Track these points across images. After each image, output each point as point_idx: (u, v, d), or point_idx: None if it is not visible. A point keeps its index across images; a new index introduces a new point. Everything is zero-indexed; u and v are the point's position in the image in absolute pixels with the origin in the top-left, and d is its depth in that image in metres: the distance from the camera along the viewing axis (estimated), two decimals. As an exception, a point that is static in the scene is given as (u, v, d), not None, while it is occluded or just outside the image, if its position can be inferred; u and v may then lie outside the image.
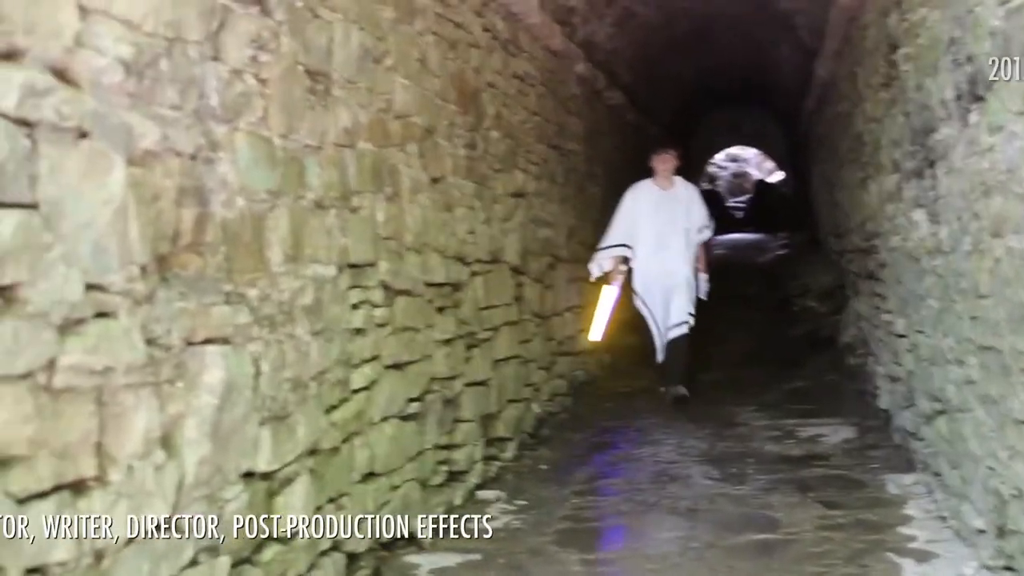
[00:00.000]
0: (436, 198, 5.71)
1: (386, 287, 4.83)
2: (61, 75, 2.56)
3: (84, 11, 2.64)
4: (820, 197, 12.99)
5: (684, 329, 8.98)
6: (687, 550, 4.92)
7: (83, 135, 2.61)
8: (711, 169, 27.57)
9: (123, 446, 2.75)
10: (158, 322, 2.94)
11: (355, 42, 4.55)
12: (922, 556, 4.61)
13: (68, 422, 2.52)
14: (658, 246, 9.09)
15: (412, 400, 5.15)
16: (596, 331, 9.01)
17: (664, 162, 9.49)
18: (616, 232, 9.25)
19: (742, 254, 16.99)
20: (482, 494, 6.02)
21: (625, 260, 9.18)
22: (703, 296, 9.32)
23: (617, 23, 12.10)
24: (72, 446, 2.54)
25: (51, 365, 2.46)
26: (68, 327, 2.51)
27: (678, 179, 9.54)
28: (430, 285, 5.50)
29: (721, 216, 24.23)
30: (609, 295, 9.02)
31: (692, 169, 24.39)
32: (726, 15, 13.21)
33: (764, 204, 22.94)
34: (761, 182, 25.52)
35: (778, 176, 25.10)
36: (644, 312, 9.14)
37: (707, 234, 9.52)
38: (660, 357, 9.09)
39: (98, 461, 2.65)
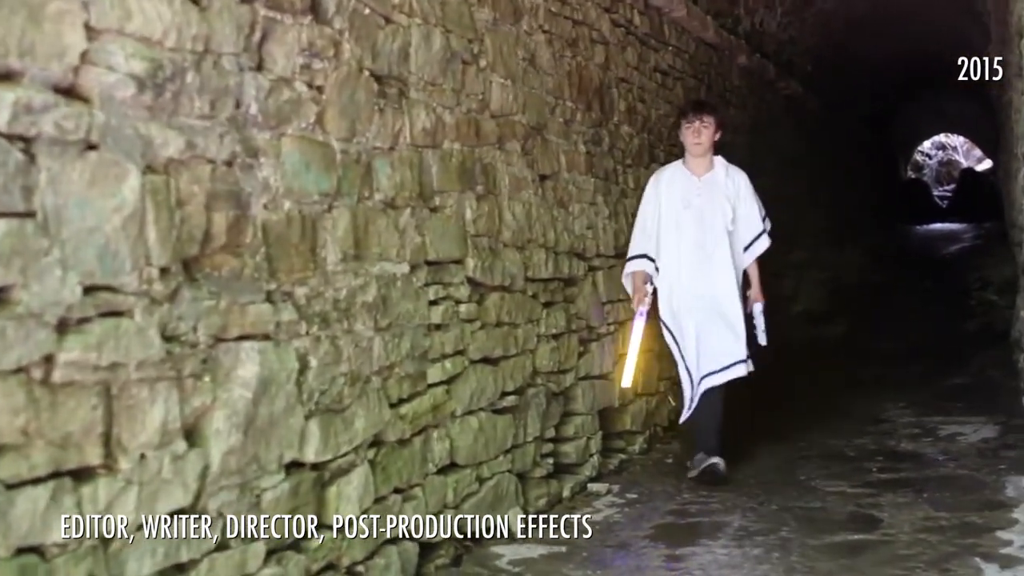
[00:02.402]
0: (545, 195, 5.81)
1: (475, 283, 4.94)
2: (68, 92, 2.75)
3: (93, 31, 2.81)
4: (1003, 187, 12.57)
5: (731, 375, 6.43)
6: (776, 549, 4.90)
7: (91, 147, 2.79)
8: (917, 157, 26.80)
9: (136, 436, 2.93)
10: (181, 320, 3.11)
11: (438, 45, 4.67)
12: (1008, 561, 4.51)
13: (69, 414, 2.71)
14: (690, 256, 6.44)
15: (508, 394, 5.25)
16: (626, 375, 6.47)
17: (697, 133, 6.50)
18: (636, 238, 6.63)
19: (930, 244, 16.49)
20: (594, 487, 6.09)
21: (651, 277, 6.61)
22: (762, 341, 6.62)
23: (791, 11, 11.96)
24: (74, 436, 2.72)
25: (49, 361, 2.65)
26: (68, 326, 2.70)
27: (719, 160, 6.62)
28: (534, 281, 5.59)
29: (926, 205, 23.67)
30: (636, 327, 6.47)
31: (896, 157, 23.80)
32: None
33: (970, 193, 22.18)
34: (968, 170, 24.68)
35: (986, 164, 24.22)
36: (674, 350, 6.54)
37: (760, 245, 6.65)
38: (687, 414, 6.58)
39: (105, 450, 2.83)
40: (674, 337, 6.49)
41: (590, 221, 6.42)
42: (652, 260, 6.51)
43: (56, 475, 2.68)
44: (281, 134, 3.61)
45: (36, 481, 2.62)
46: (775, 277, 10.87)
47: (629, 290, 6.65)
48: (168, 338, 3.06)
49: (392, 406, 4.24)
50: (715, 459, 6.30)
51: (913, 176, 26.50)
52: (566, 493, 5.87)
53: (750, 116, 10.68)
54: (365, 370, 4.05)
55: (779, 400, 8.64)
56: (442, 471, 4.64)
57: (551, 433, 5.80)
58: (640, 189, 7.27)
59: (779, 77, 11.76)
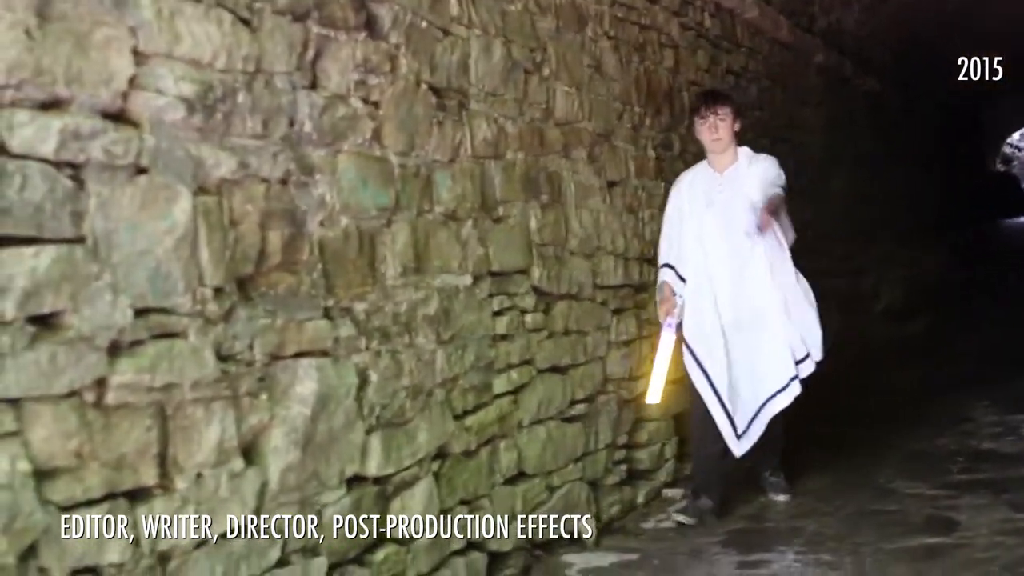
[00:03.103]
0: (614, 201, 5.77)
1: (541, 292, 4.93)
2: (117, 117, 2.78)
3: (142, 56, 2.85)
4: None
5: (787, 398, 5.67)
6: (850, 554, 4.84)
7: (141, 171, 2.82)
8: (1006, 150, 26.30)
9: (192, 455, 2.96)
10: (237, 339, 3.14)
11: (498, 55, 4.66)
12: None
13: (123, 435, 2.74)
14: (720, 264, 5.72)
15: (577, 402, 5.23)
16: (653, 391, 5.67)
17: (713, 128, 5.76)
18: (660, 247, 5.93)
19: (1017, 238, 16.19)
20: (669, 492, 6.04)
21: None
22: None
23: (869, 7, 11.78)
24: (128, 457, 2.76)
25: (101, 384, 2.69)
26: (120, 349, 2.73)
27: (743, 151, 5.86)
28: (603, 288, 5.56)
29: (1015, 198, 23.21)
30: (664, 341, 5.70)
31: (983, 150, 23.37)
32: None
33: (1063, 185, 21.73)
34: (1060, 162, 24.19)
35: (1080, 155, 23.74)
36: (696, 377, 5.69)
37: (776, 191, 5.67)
38: (738, 449, 5.67)
39: (160, 470, 2.86)
40: (698, 361, 5.67)
41: (660, 226, 6.35)
42: (675, 269, 5.81)
43: (111, 496, 2.71)
44: (337, 151, 3.62)
45: (91, 503, 2.66)
46: (855, 274, 10.77)
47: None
48: (223, 357, 3.09)
49: (456, 418, 4.24)
50: (780, 496, 5.99)
51: (1002, 169, 26.06)
52: (640, 499, 5.84)
53: (827, 114, 10.54)
54: (428, 383, 4.06)
55: (858, 399, 8.54)
56: (510, 481, 4.63)
57: (624, 440, 5.77)
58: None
59: (857, 74, 11.59)
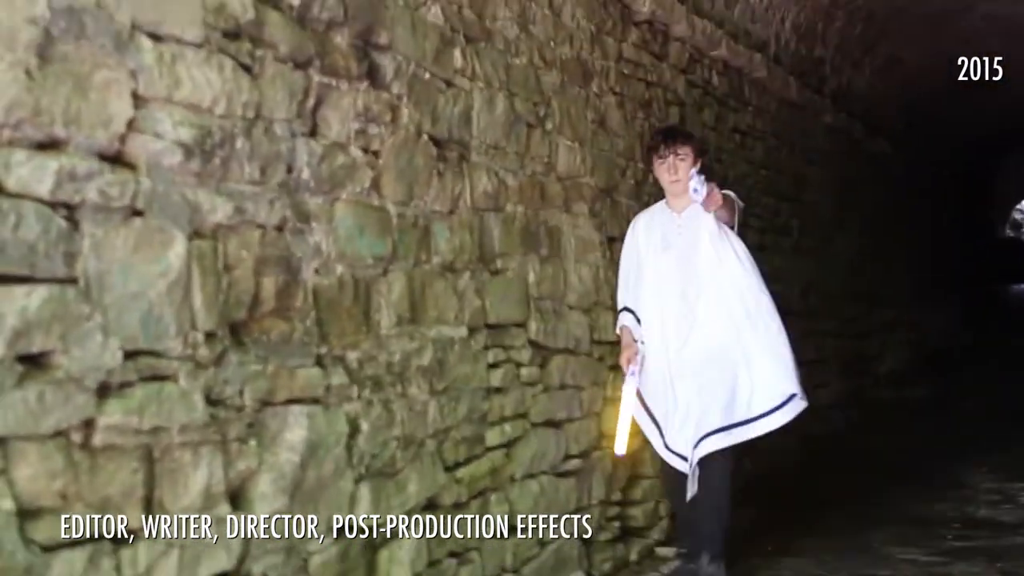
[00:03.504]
0: (614, 256, 5.77)
1: (537, 346, 4.93)
2: (115, 159, 2.80)
3: (141, 99, 2.87)
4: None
5: (725, 441, 5.33)
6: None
7: (136, 213, 2.84)
8: (1016, 216, 26.35)
9: (178, 499, 2.95)
10: (227, 384, 3.14)
11: (501, 108, 4.69)
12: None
13: (109, 477, 2.74)
14: (674, 309, 5.41)
15: (572, 457, 5.22)
16: (619, 442, 5.35)
17: (672, 169, 5.42)
18: (619, 291, 5.66)
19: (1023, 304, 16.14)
20: (662, 551, 5.99)
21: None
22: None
23: (880, 70, 11.84)
24: (114, 499, 2.75)
25: (89, 425, 2.69)
26: (109, 390, 2.74)
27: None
28: (600, 343, 5.56)
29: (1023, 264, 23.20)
30: (627, 389, 5.42)
31: (992, 215, 23.39)
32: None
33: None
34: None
35: (1088, 222, 23.78)
36: (647, 430, 5.51)
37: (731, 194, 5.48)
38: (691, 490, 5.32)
39: (145, 513, 2.85)
40: (649, 412, 5.46)
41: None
42: (634, 313, 5.53)
43: (95, 538, 2.70)
44: (334, 199, 3.64)
45: (74, 544, 2.65)
46: (859, 337, 10.75)
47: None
48: (213, 402, 3.08)
49: (448, 469, 4.23)
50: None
51: (1010, 235, 26.12)
52: (633, 557, 5.81)
53: (835, 174, 10.57)
54: (419, 433, 4.05)
55: (858, 462, 8.51)
56: (500, 535, 4.60)
57: (618, 496, 5.74)
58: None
59: (867, 136, 11.64)
